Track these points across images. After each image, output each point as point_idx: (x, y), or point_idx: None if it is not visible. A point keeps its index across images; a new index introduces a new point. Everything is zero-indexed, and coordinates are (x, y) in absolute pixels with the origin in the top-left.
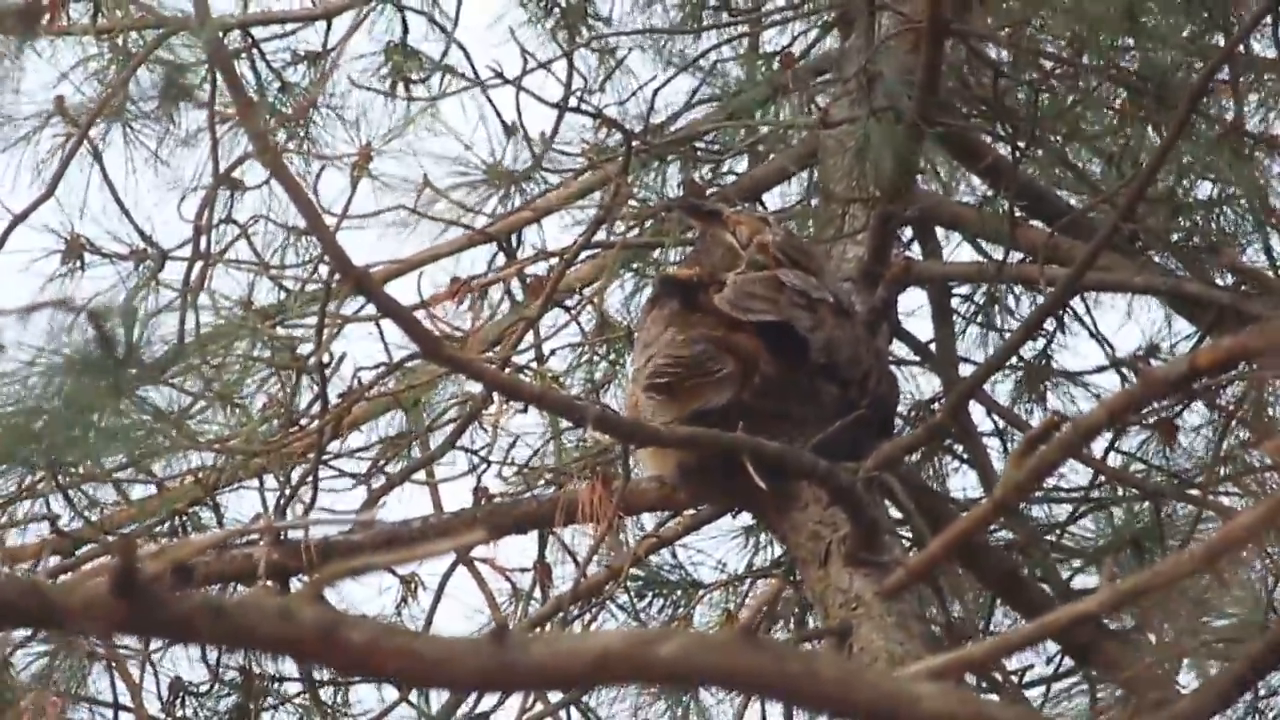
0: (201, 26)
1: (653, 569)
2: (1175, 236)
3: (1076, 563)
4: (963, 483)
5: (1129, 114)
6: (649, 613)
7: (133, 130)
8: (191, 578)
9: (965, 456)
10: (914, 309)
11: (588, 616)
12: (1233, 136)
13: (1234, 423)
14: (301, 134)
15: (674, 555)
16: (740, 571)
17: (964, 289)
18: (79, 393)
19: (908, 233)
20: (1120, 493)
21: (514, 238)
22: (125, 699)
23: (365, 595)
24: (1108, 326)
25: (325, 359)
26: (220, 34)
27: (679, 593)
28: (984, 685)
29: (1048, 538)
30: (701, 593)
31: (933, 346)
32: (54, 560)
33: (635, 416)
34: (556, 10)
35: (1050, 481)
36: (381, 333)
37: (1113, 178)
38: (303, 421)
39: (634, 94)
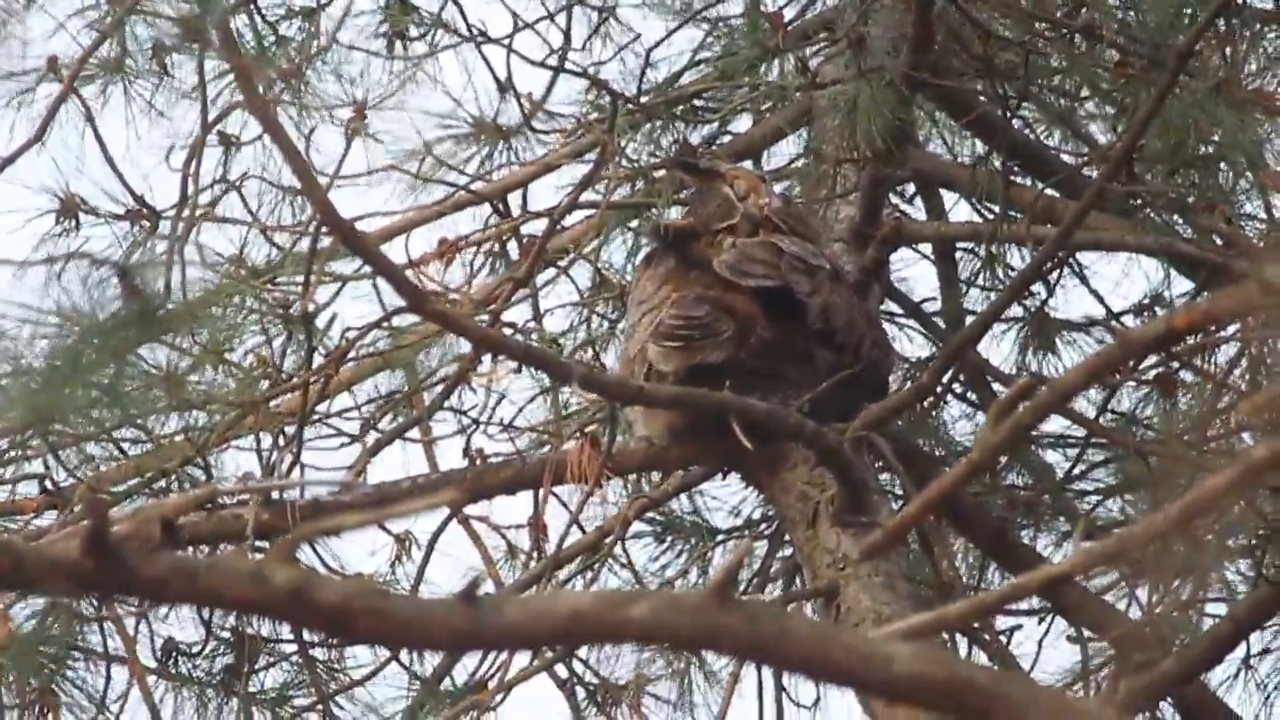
0: None
1: (671, 515)
2: (1171, 194)
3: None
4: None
5: (1123, 73)
6: (668, 558)
7: (130, 84)
8: (178, 537)
9: (977, 402)
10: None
11: (590, 574)
12: (1226, 92)
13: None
14: (296, 89)
15: (690, 501)
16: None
17: (969, 249)
18: (75, 351)
19: (913, 192)
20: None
21: (508, 198)
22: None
23: (359, 554)
24: (1104, 286)
25: (314, 315)
26: None
27: (693, 541)
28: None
29: (1043, 497)
30: (720, 538)
31: (927, 307)
32: (51, 515)
33: (627, 375)
34: None
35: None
36: (376, 288)
37: (1108, 137)
38: (291, 381)
39: (620, 51)
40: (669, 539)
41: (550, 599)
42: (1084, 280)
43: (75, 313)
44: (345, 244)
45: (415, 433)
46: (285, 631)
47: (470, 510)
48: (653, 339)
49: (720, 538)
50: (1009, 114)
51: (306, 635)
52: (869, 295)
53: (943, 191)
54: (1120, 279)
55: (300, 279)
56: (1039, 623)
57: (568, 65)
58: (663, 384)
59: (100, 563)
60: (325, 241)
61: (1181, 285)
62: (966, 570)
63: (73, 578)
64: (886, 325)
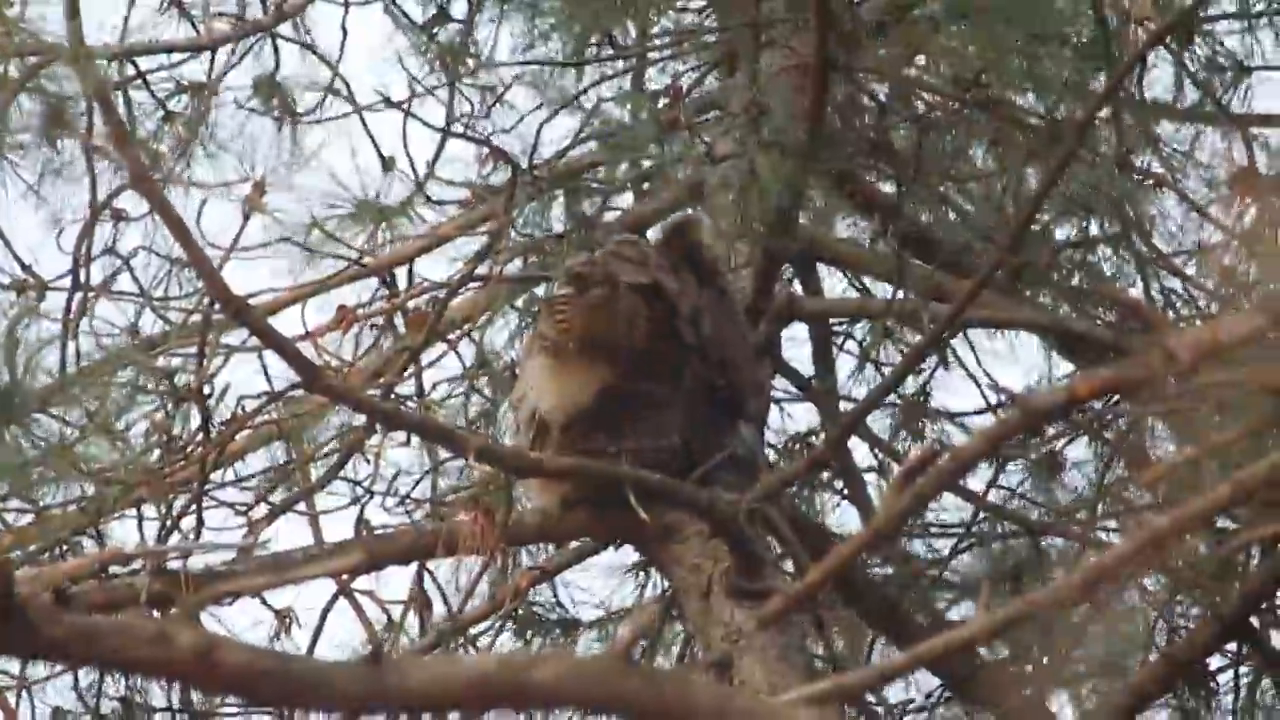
0: (77, 56)
1: (532, 608)
2: (1057, 275)
3: (954, 596)
4: (842, 519)
5: (1010, 153)
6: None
7: (10, 163)
8: (70, 602)
9: (845, 493)
10: (793, 344)
11: (470, 650)
12: (1120, 171)
13: (1115, 458)
14: (183, 165)
15: (554, 594)
16: (622, 609)
17: (843, 326)
18: None
19: (788, 270)
20: (1000, 528)
21: (397, 272)
22: None
23: (243, 626)
24: (991, 367)
25: (208, 389)
26: (99, 63)
27: (558, 632)
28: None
29: (929, 573)
30: (581, 630)
31: (813, 382)
32: None
33: (521, 444)
34: (437, 44)
35: (931, 517)
36: (264, 364)
37: (993, 218)
38: (185, 450)
39: (516, 125)
40: (529, 632)
41: (454, 661)
42: (976, 360)
43: None
44: (238, 319)
45: (303, 506)
46: (176, 701)
47: (356, 585)
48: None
49: (583, 630)
50: (902, 191)
51: (197, 704)
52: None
53: (823, 270)
54: (1006, 361)
55: (192, 349)
56: (926, 697)
57: (463, 131)
58: (558, 455)
59: (5, 625)
60: (218, 315)
61: (1063, 368)
62: (856, 643)
63: None
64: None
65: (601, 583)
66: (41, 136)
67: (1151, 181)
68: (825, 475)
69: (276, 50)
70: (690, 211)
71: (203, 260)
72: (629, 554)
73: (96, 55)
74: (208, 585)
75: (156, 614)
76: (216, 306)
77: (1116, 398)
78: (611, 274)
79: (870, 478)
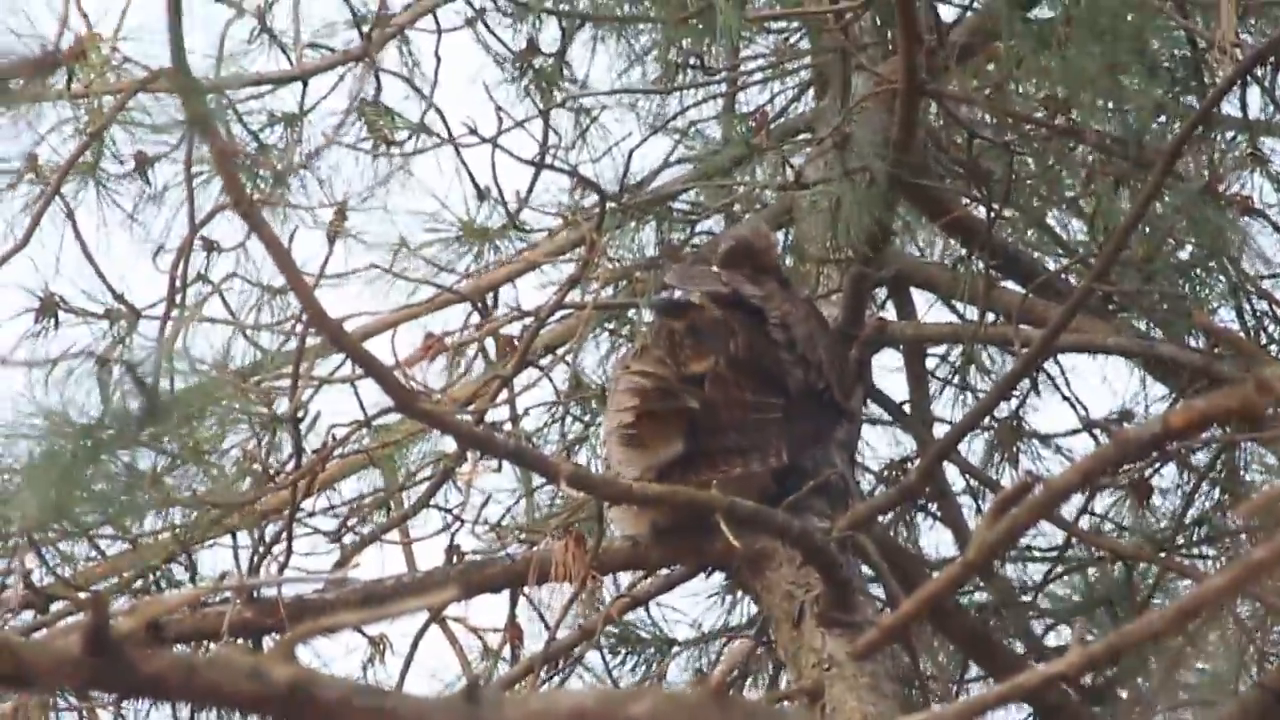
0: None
1: (627, 626)
2: (1148, 299)
3: (1050, 623)
4: (936, 540)
5: (1102, 176)
6: (622, 670)
7: (106, 189)
8: (163, 635)
9: (939, 515)
10: (889, 370)
11: (559, 678)
12: (1208, 197)
13: (1205, 485)
14: (279, 193)
15: (648, 613)
16: (714, 630)
17: (939, 351)
18: (57, 453)
19: (881, 294)
20: (1093, 554)
21: (488, 297)
22: None
23: (336, 654)
24: (1082, 390)
25: (301, 416)
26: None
27: (652, 650)
28: None
29: (1022, 599)
30: (675, 650)
31: (907, 407)
32: (27, 615)
33: (610, 474)
34: (531, 71)
35: (1025, 542)
36: (356, 391)
37: (1088, 240)
38: (277, 478)
39: (608, 151)
40: (623, 652)
41: (552, 697)
42: (1067, 383)
43: (63, 414)
44: (333, 343)
45: (395, 534)
46: None
47: (447, 612)
48: (615, 442)
49: (677, 650)
50: (992, 217)
51: None
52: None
53: (914, 294)
54: (1098, 385)
55: (283, 378)
56: None
57: (549, 163)
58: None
59: (101, 660)
60: (312, 341)
61: (1155, 391)
62: (948, 671)
63: (74, 675)
64: (868, 426)
65: (692, 604)
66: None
67: (1239, 207)
68: (917, 506)
69: (378, 80)
70: (744, 224)
71: (300, 283)
72: (720, 578)
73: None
74: (299, 614)
75: (248, 643)
76: (312, 330)
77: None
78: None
79: (965, 499)
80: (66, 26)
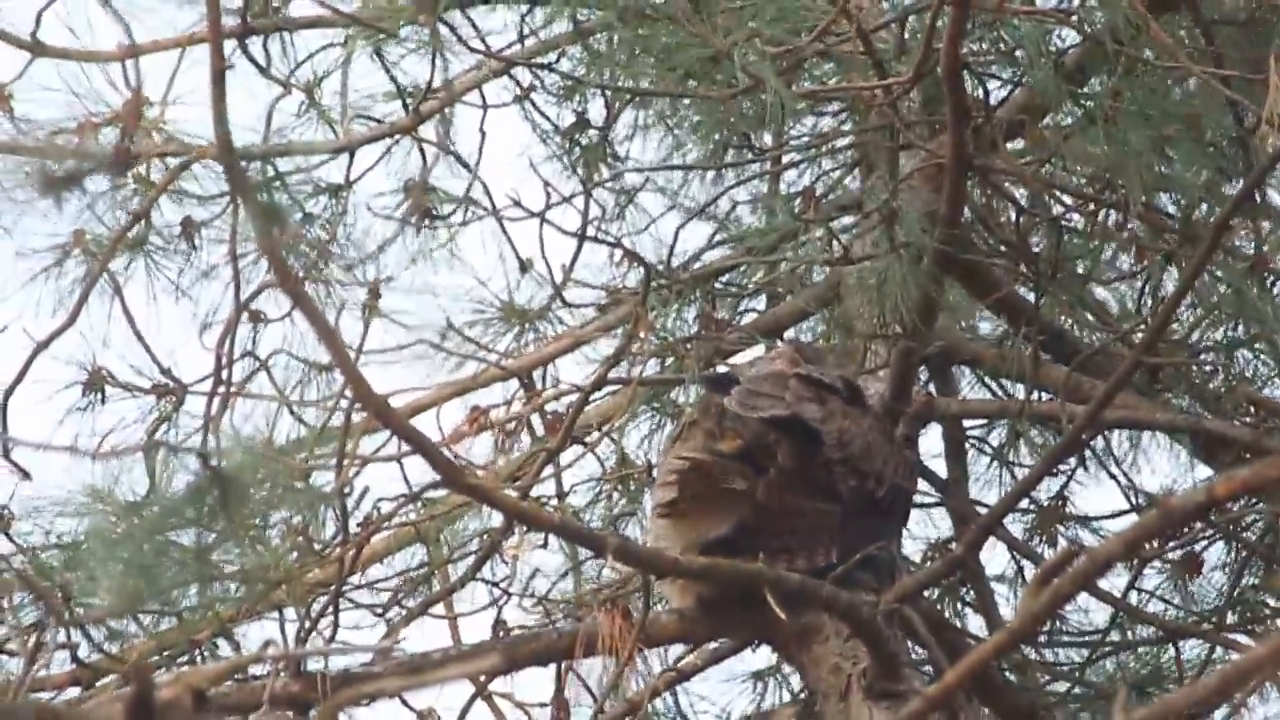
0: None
1: (653, 716)
2: (1195, 377)
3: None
4: (969, 627)
5: (1149, 254)
6: None
7: (154, 262)
8: (206, 704)
9: (971, 601)
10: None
11: None
12: (1256, 272)
13: (1252, 559)
14: (322, 267)
15: (676, 703)
16: (745, 717)
17: (977, 430)
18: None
19: (924, 371)
20: (1134, 635)
21: (534, 374)
22: None
23: None
24: (1127, 470)
25: (346, 490)
26: (243, 164)
27: None
28: None
29: (1065, 681)
30: None
31: (949, 485)
32: (74, 691)
33: (655, 548)
34: (577, 148)
35: (1069, 623)
36: (402, 466)
37: (1129, 318)
38: (324, 553)
39: (649, 226)
40: None
41: None
42: (1116, 461)
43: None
44: (378, 419)
45: (440, 609)
46: None
47: (494, 686)
48: (654, 514)
49: None
50: (1040, 294)
51: None
52: (891, 424)
53: (955, 370)
54: (1143, 468)
55: (328, 453)
56: None
57: (593, 235)
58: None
59: None
60: (357, 417)
61: (1202, 472)
62: None
63: None
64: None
65: (722, 691)
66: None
67: None
68: (957, 585)
69: (424, 154)
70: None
71: (345, 359)
72: (748, 662)
73: (241, 155)
74: (345, 687)
75: (293, 715)
76: (357, 406)
77: (1255, 499)
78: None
79: (1000, 587)
80: (128, 104)
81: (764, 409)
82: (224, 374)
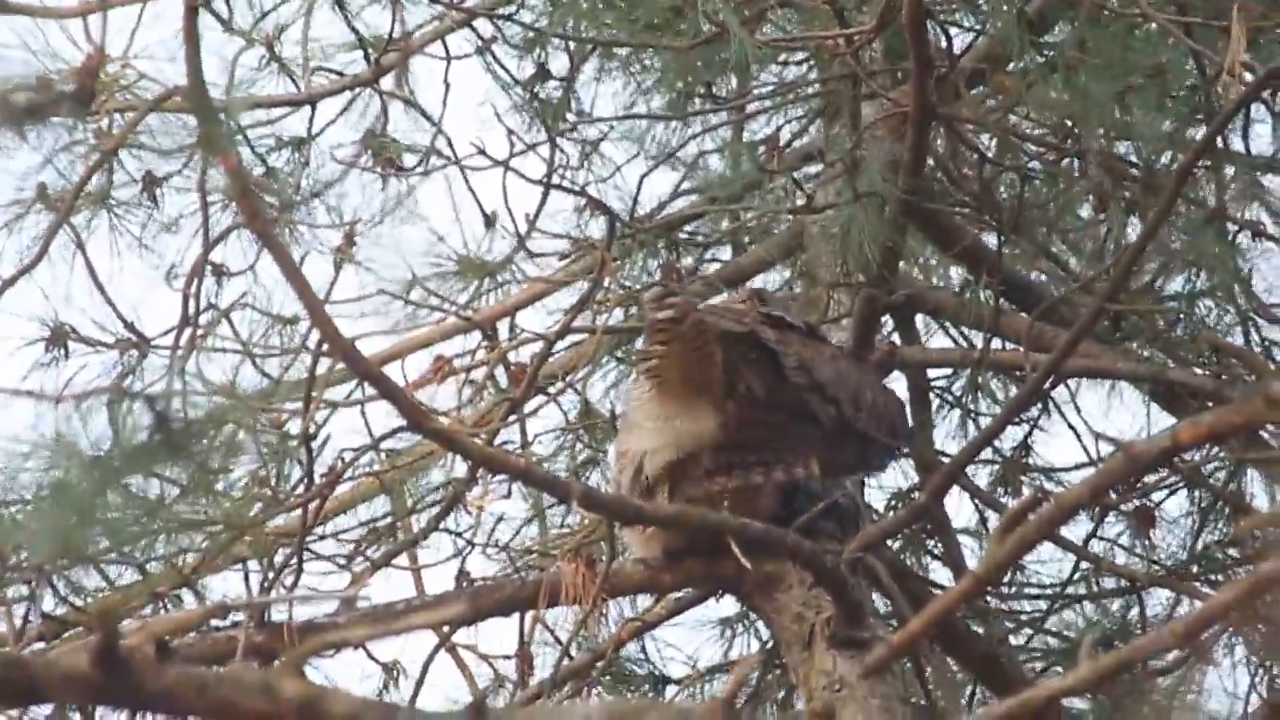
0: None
1: (623, 663)
2: (1157, 326)
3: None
4: (936, 579)
5: (1111, 203)
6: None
7: (116, 217)
8: (171, 654)
9: (938, 552)
10: None
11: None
12: (1216, 222)
13: (1215, 507)
14: (288, 215)
15: (643, 650)
16: (713, 665)
17: (941, 380)
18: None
19: (887, 320)
20: (1098, 585)
21: (497, 324)
22: None
23: (348, 681)
24: (1089, 419)
25: (314, 436)
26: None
27: (647, 687)
28: None
29: (1025, 631)
30: (673, 690)
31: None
32: (38, 645)
33: (621, 495)
34: (539, 99)
35: (1030, 576)
36: (366, 419)
37: (1092, 268)
38: (287, 503)
39: (613, 174)
40: (620, 688)
41: (560, 712)
42: (1076, 409)
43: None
44: (345, 362)
45: (404, 560)
46: None
47: (457, 638)
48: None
49: (672, 687)
50: (1001, 243)
51: None
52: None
53: (919, 319)
54: (1105, 417)
55: (291, 403)
56: None
57: (562, 184)
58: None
59: (110, 675)
60: (324, 364)
61: (1163, 421)
62: (957, 693)
63: (83, 690)
64: None
65: (689, 638)
66: (144, 190)
67: (1251, 232)
68: (922, 534)
69: (385, 105)
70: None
71: (313, 302)
72: (716, 609)
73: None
74: (310, 637)
75: (258, 665)
76: (324, 351)
77: (1216, 447)
78: (703, 322)
79: (965, 539)
80: (90, 54)
81: (725, 323)
82: (191, 317)
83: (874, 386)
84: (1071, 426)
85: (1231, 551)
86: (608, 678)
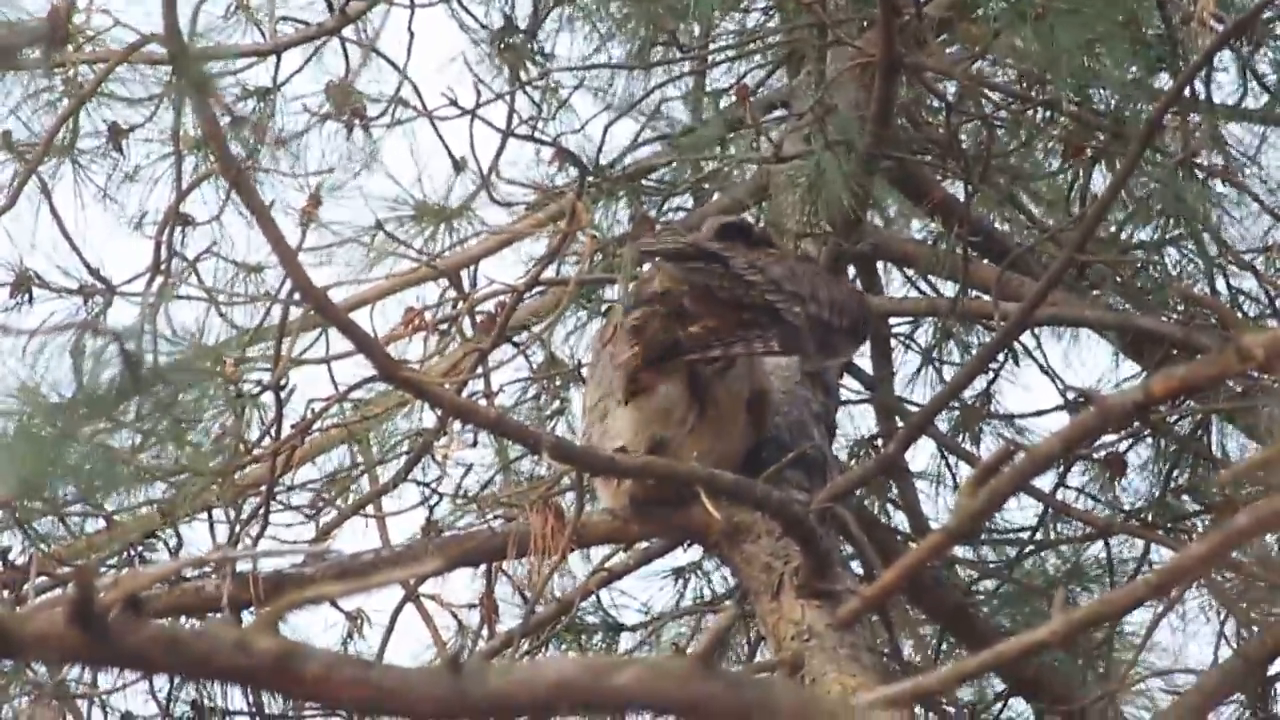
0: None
1: (576, 614)
2: (1125, 274)
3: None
4: (901, 528)
5: (1078, 151)
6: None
7: (81, 166)
8: (142, 609)
9: (896, 499)
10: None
11: (537, 653)
12: (1184, 169)
13: (1183, 456)
14: (253, 167)
15: (597, 599)
16: (665, 612)
17: (904, 327)
18: (31, 429)
19: (851, 270)
20: (1061, 533)
21: (465, 273)
22: None
23: (314, 631)
24: (1056, 368)
25: (284, 385)
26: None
27: (600, 636)
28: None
29: (994, 579)
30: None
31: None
32: (4, 594)
33: (590, 445)
34: (504, 49)
35: (998, 522)
36: (331, 370)
37: (1058, 219)
38: (255, 452)
39: (582, 128)
40: (574, 638)
41: (535, 667)
42: (1045, 357)
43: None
44: (316, 309)
45: (370, 509)
46: (243, 706)
47: (423, 588)
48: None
49: (625, 635)
50: (969, 192)
51: (267, 708)
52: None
53: (879, 267)
54: (1070, 363)
55: (258, 354)
56: (994, 698)
57: (525, 133)
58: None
59: (86, 632)
60: (293, 315)
61: (1129, 369)
62: (927, 644)
63: (58, 647)
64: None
65: (642, 587)
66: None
67: (1219, 179)
68: (881, 481)
69: (346, 54)
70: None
71: (285, 248)
72: (669, 559)
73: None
74: (280, 590)
75: (228, 617)
76: (294, 298)
77: (1186, 399)
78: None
79: (923, 485)
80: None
81: (667, 243)
82: (162, 265)
83: (829, 281)
84: (1045, 371)
85: (1188, 499)
86: (561, 628)
